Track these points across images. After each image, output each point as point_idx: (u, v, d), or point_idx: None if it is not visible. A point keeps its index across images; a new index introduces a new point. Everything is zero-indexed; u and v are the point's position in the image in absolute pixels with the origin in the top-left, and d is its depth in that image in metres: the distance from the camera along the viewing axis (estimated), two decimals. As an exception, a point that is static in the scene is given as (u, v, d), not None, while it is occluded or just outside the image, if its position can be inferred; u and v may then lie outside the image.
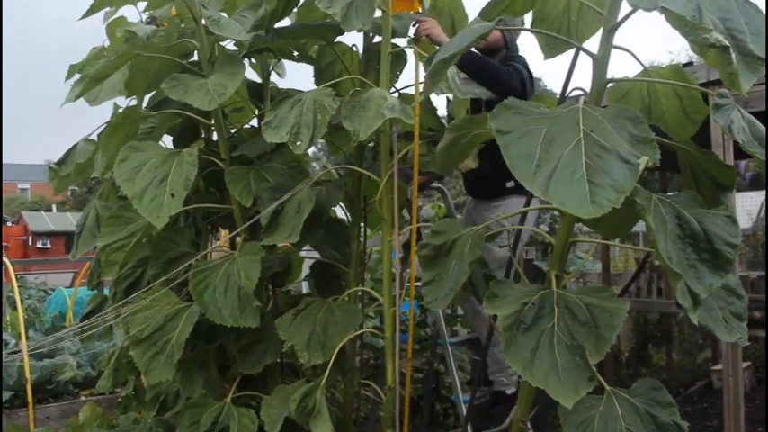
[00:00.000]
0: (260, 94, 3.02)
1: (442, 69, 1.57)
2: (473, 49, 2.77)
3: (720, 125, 1.61)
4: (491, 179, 3.06)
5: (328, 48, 2.78)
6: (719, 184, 1.91)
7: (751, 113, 1.74)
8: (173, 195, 2.17)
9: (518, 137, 1.36)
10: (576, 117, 1.40)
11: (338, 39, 2.70)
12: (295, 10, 2.67)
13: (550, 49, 2.06)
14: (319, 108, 2.12)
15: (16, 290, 6.18)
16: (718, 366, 5.04)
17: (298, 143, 2.07)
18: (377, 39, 2.62)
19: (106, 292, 3.20)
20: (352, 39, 2.81)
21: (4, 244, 19.24)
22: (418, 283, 3.46)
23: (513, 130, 1.37)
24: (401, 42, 2.59)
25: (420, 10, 2.65)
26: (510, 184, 3.06)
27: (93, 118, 3.04)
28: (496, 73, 2.76)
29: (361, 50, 2.73)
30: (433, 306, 1.75)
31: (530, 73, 3.03)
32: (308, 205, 2.24)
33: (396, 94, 2.61)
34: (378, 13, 2.35)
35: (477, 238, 1.72)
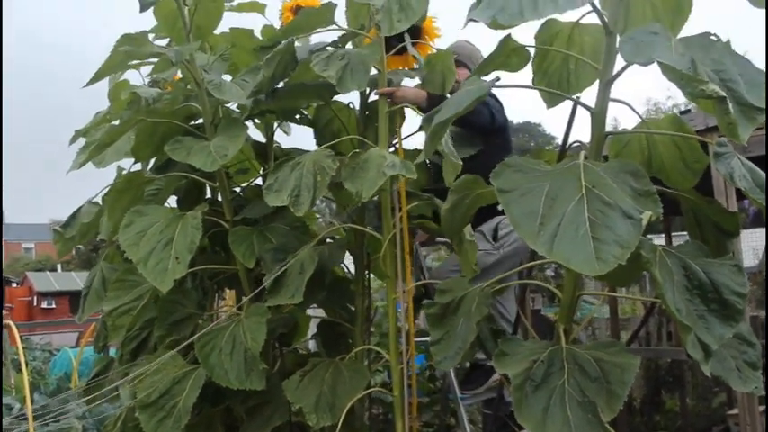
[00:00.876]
0: (265, 154, 3.06)
1: (442, 130, 1.59)
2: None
3: (722, 173, 1.62)
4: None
5: (326, 106, 2.82)
6: (724, 230, 1.91)
7: (750, 158, 1.76)
8: (177, 259, 2.18)
9: (520, 195, 1.37)
10: (577, 173, 1.41)
11: (335, 97, 2.74)
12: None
13: (551, 99, 2.07)
14: (319, 170, 2.15)
15: (21, 352, 6.13)
16: (735, 411, 4.93)
17: (298, 206, 2.09)
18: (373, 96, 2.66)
19: (112, 352, 3.18)
20: (349, 95, 2.85)
21: (8, 305, 19.22)
22: (424, 338, 3.44)
23: (514, 188, 1.38)
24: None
25: (415, 66, 2.69)
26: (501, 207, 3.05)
27: (97, 178, 3.08)
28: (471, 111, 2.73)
29: (357, 107, 2.77)
30: (443, 365, 1.74)
31: (499, 102, 3.05)
32: (311, 266, 2.24)
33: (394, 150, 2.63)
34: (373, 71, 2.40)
35: (483, 296, 1.72)
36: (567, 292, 1.73)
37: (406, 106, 2.52)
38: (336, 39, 2.65)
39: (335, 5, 2.53)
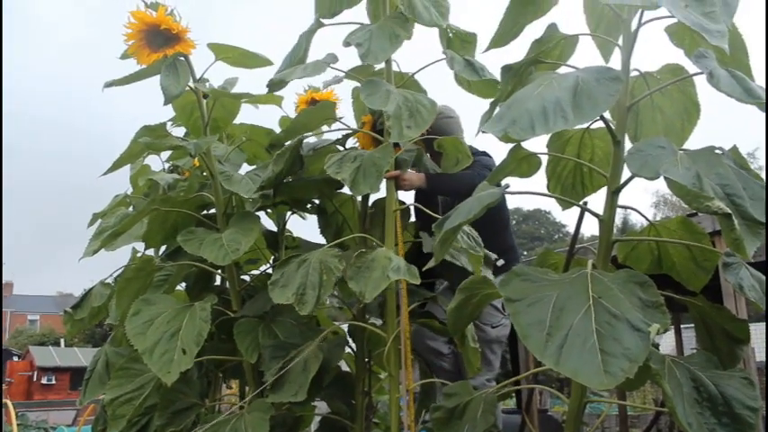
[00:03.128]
0: (276, 243, 3.08)
1: (454, 235, 1.61)
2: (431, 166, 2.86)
3: (731, 284, 1.63)
4: None
5: (328, 199, 2.88)
6: (734, 337, 1.89)
7: (753, 264, 1.76)
8: (184, 351, 2.17)
9: (528, 304, 1.37)
10: (584, 283, 1.42)
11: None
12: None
13: (564, 204, 2.11)
14: (325, 269, 2.15)
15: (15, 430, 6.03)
16: None
17: (303, 304, 2.09)
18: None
19: (112, 436, 3.12)
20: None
21: (8, 379, 18.99)
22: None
23: (522, 297, 1.39)
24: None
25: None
26: (500, 263, 3.01)
27: (105, 253, 3.10)
28: (469, 182, 2.61)
29: (359, 200, 2.80)
30: (448, 473, 1.70)
31: (490, 167, 3.04)
32: (315, 364, 2.22)
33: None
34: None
35: (488, 403, 1.70)
36: (574, 400, 1.70)
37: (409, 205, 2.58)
38: (341, 137, 2.74)
39: (334, 104, 2.62)
